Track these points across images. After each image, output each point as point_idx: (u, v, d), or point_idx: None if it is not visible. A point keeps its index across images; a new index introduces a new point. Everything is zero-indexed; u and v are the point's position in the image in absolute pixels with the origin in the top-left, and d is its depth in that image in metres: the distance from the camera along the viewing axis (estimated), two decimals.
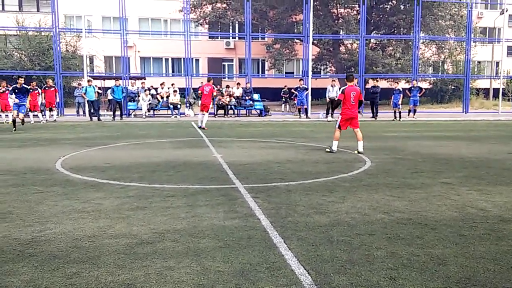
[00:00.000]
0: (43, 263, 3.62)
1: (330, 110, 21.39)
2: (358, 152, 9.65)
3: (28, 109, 18.68)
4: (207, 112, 15.76)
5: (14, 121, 14.67)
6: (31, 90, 17.47)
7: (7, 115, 17.65)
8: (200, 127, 15.48)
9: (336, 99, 9.94)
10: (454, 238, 4.19)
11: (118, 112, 19.78)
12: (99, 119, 18.78)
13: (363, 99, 10.56)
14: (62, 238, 4.22)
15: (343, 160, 8.92)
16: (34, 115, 18.17)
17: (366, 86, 26.33)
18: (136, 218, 4.84)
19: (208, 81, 16.07)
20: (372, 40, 32.39)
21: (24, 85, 15.05)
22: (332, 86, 22.32)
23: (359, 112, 10.12)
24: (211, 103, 16.63)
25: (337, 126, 9.92)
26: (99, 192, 6.00)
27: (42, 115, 18.45)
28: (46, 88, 18.83)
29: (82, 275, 3.40)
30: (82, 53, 25.29)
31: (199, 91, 15.95)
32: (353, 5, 30.67)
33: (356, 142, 9.89)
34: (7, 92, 17.06)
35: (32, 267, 3.54)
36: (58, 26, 23.25)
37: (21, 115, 14.91)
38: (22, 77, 15.26)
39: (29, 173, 7.27)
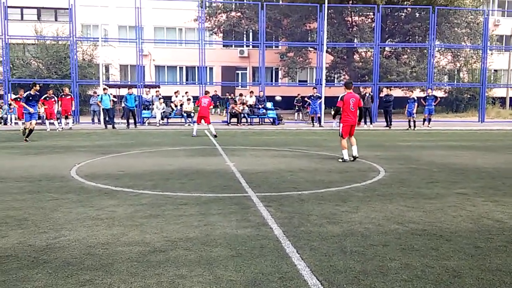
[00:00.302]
0: (57, 270, 3.65)
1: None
2: (354, 158, 9.69)
3: (44, 117, 18.98)
4: (209, 123, 15.84)
5: (29, 130, 13.80)
6: (44, 96, 17.74)
7: (24, 123, 17.93)
8: (194, 136, 15.63)
9: (335, 106, 9.90)
10: (470, 250, 4.12)
11: (132, 120, 19.99)
12: (114, 127, 18.99)
13: (362, 105, 10.53)
14: (76, 245, 4.26)
15: (356, 169, 8.85)
16: (50, 123, 18.45)
17: (380, 95, 26.19)
18: (149, 226, 4.87)
19: (206, 93, 16.27)
20: (387, 48, 32.26)
21: (38, 93, 14.27)
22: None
23: (359, 121, 10.10)
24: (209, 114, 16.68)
25: (340, 136, 9.88)
26: (113, 199, 6.06)
27: (58, 123, 18.72)
28: (63, 96, 19.14)
29: (95, 282, 3.42)
30: (98, 61, 25.69)
31: (196, 104, 16.18)
32: (368, 13, 30.63)
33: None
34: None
35: (46, 273, 3.58)
36: (75, 35, 23.68)
37: (33, 122, 13.96)
38: (38, 85, 14.42)
39: (45, 180, 7.37)
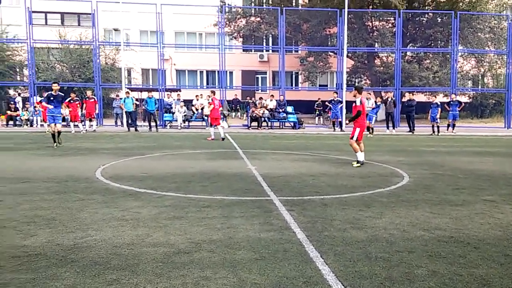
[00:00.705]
0: (84, 269, 3.71)
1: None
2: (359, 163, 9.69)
3: (69, 120, 19.38)
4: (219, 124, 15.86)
5: (53, 135, 13.08)
6: (68, 99, 18.10)
7: (77, 125, 18.30)
8: (223, 138, 15.61)
9: (357, 110, 9.76)
10: (499, 258, 4.02)
11: (153, 123, 20.24)
12: (136, 130, 19.26)
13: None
14: (102, 245, 4.32)
15: (379, 174, 8.76)
16: (74, 125, 18.82)
17: (403, 100, 25.88)
18: (173, 227, 4.91)
19: (214, 94, 16.33)
20: (408, 53, 31.88)
21: (60, 93, 13.12)
22: (367, 99, 22.03)
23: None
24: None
25: (354, 139, 9.76)
26: (137, 201, 6.13)
27: (82, 125, 19.09)
28: (86, 99, 19.51)
29: (121, 282, 3.47)
30: (120, 65, 26.09)
31: (211, 105, 16.04)
32: (388, 18, 30.35)
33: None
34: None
35: (74, 272, 3.64)
36: (98, 39, 24.12)
37: (58, 126, 13.05)
38: (56, 83, 13.22)
39: (71, 181, 7.51)
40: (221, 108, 16.42)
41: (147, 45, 30.41)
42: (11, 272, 3.63)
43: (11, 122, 22.23)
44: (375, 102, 20.88)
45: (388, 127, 21.79)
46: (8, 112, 22.49)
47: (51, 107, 12.84)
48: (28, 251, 4.12)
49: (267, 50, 36.72)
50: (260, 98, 25.02)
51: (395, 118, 23.35)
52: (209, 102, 16.64)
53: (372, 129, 19.87)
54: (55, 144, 12.91)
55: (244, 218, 5.31)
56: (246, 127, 22.15)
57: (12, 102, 23.26)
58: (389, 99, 22.14)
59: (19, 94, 25.20)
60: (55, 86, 12.89)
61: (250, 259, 3.97)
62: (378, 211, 5.72)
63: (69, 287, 3.37)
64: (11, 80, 28.28)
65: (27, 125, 21.92)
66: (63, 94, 13.36)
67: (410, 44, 32.15)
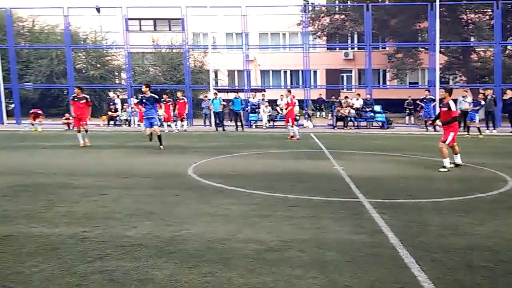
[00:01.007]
0: (182, 261, 3.92)
1: (463, 123, 19.60)
2: (457, 165, 9.18)
3: (162, 120, 20.61)
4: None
5: (159, 137, 12.40)
6: (162, 101, 19.25)
7: (169, 125, 19.57)
8: (298, 138, 15.51)
9: (452, 116, 9.09)
10: None
11: (239, 123, 20.76)
12: (223, 129, 19.91)
13: None
14: (197, 238, 4.53)
15: (480, 178, 8.14)
16: (167, 125, 19.94)
17: (504, 97, 23.77)
18: (262, 225, 5.00)
19: (290, 93, 16.16)
20: (509, 47, 29.19)
21: (153, 94, 12.53)
22: (463, 97, 20.55)
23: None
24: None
25: (447, 143, 9.08)
26: (227, 198, 6.33)
27: (175, 125, 20.17)
28: (178, 100, 20.57)
29: (216, 275, 3.61)
30: (208, 67, 27.09)
31: (289, 105, 15.99)
32: (485, 10, 28.02)
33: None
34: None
35: (172, 263, 3.87)
36: (188, 43, 25.28)
37: (156, 129, 12.50)
38: (146, 85, 12.75)
39: (166, 178, 7.98)
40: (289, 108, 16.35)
41: (233, 47, 31.22)
42: (116, 259, 3.94)
43: (111, 122, 24.14)
44: (477, 100, 19.43)
45: (488, 127, 20.14)
46: (109, 112, 24.43)
47: (143, 109, 12.69)
48: (131, 241, 4.45)
49: (352, 48, 35.85)
50: (346, 97, 24.49)
51: (496, 117, 21.49)
52: (287, 103, 16.65)
53: (469, 128, 18.52)
54: (161, 146, 12.24)
55: (333, 219, 5.24)
56: (332, 127, 21.81)
57: (112, 104, 25.25)
58: (489, 97, 20.43)
59: (118, 96, 27.27)
60: (145, 88, 12.57)
61: (340, 260, 3.92)
62: (479, 217, 5.32)
63: (168, 276, 3.58)
64: (111, 83, 30.69)
65: (125, 124, 23.64)
66: (156, 96, 12.70)
67: (511, 38, 29.41)
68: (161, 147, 12.21)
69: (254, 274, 3.63)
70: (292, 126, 15.95)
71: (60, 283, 3.45)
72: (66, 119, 20.95)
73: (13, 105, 25.31)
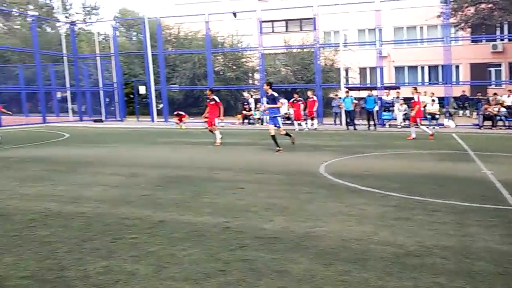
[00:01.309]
0: (317, 257, 3.97)
1: None
2: None
3: (293, 118, 21.00)
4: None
5: (289, 135, 12.07)
6: (292, 99, 19.73)
7: (300, 124, 20.11)
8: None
9: None
10: None
11: (372, 122, 20.09)
12: (355, 128, 19.48)
13: None
14: (331, 236, 4.53)
15: None
16: (298, 124, 20.25)
17: None
18: (400, 228, 4.78)
19: (416, 90, 15.15)
20: None
21: (273, 93, 11.85)
22: None
23: None
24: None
25: None
26: (361, 198, 6.19)
27: (305, 124, 20.40)
28: (308, 99, 20.74)
29: (352, 275, 3.57)
30: (339, 66, 26.76)
31: (416, 105, 14.80)
32: None
33: None
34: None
35: (308, 258, 3.93)
36: (319, 42, 25.30)
37: (270, 127, 11.92)
38: (267, 83, 12.15)
39: (298, 175, 8.12)
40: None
41: (365, 44, 30.32)
42: (255, 250, 4.15)
43: (246, 121, 25.40)
44: None
45: None
46: (243, 112, 25.74)
47: (263, 109, 11.88)
48: (268, 234, 4.64)
49: (501, 40, 32.06)
50: (494, 94, 21.97)
51: None
52: (413, 101, 15.46)
53: None
54: (278, 149, 11.53)
55: (482, 227, 4.77)
56: (477, 127, 19.77)
57: (246, 103, 26.54)
58: None
59: (251, 96, 28.57)
60: (266, 87, 12.06)
61: (491, 272, 3.58)
62: None
63: (304, 271, 3.66)
64: (245, 83, 32.29)
65: (258, 123, 24.66)
66: (276, 94, 12.03)
67: None
68: (277, 148, 11.50)
69: (393, 277, 3.51)
70: (415, 126, 14.93)
71: (206, 267, 3.77)
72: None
73: (161, 105, 28.25)
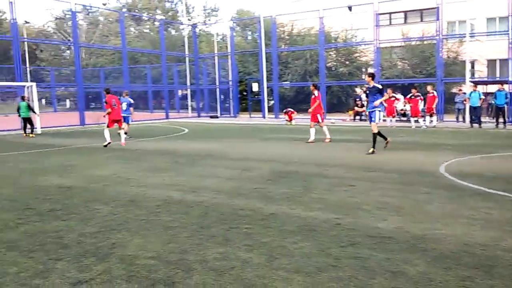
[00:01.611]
0: (435, 260, 3.74)
1: None
2: None
3: (409, 115, 19.92)
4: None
5: (374, 135, 10.70)
6: (409, 95, 18.76)
7: (417, 121, 19.23)
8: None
9: None
10: None
11: (501, 119, 18.14)
12: (480, 126, 17.80)
13: None
14: (452, 240, 4.23)
15: None
16: (415, 121, 19.14)
17: None
18: None
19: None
20: None
21: (376, 85, 10.86)
22: None
23: None
24: None
25: None
26: (487, 201, 5.66)
27: (423, 121, 19.19)
28: (427, 94, 19.45)
29: (475, 281, 3.31)
30: (464, 58, 24.64)
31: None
32: None
33: None
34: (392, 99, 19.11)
35: (425, 261, 3.72)
36: (442, 33, 23.53)
37: (373, 125, 10.73)
38: (370, 75, 11.12)
39: (415, 174, 7.68)
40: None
41: (495, 34, 27.44)
42: (368, 249, 4.05)
43: (357, 117, 24.74)
44: None
45: None
46: (355, 108, 25.08)
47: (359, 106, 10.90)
48: (381, 233, 4.49)
49: None
50: None
51: None
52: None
53: None
54: (371, 149, 10.53)
55: None
56: None
57: (358, 99, 25.81)
58: None
59: (364, 92, 27.71)
60: (368, 78, 11.11)
61: None
62: None
63: (421, 273, 3.48)
64: (358, 79, 31.41)
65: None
66: (379, 86, 10.95)
67: None
68: (371, 150, 10.46)
69: None
70: None
71: (317, 261, 3.78)
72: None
73: (273, 102, 28.90)
